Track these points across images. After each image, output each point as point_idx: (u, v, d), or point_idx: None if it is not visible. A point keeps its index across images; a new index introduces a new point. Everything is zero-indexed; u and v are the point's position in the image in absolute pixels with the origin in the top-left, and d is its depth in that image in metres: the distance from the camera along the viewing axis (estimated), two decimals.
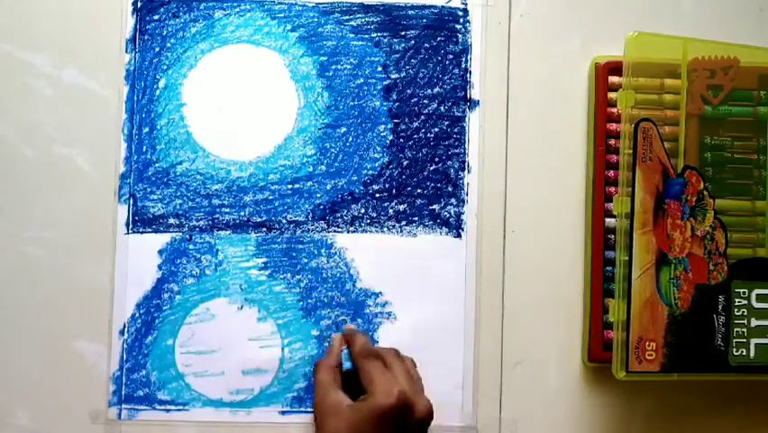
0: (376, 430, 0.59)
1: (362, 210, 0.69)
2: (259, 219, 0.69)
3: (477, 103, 0.70)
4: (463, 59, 0.70)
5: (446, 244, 0.70)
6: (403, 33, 0.70)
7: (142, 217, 0.69)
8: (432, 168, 0.70)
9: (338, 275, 0.69)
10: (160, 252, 0.69)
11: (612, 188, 0.68)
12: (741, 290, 0.65)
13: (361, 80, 0.70)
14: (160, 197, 0.69)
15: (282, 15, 0.70)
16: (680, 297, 0.63)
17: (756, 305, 0.65)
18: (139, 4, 0.69)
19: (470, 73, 0.70)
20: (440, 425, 0.68)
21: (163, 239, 0.69)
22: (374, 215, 0.69)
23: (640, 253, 0.62)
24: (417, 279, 0.69)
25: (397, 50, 0.70)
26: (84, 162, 0.69)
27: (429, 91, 0.70)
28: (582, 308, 0.70)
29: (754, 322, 0.65)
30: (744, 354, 0.65)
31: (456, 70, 0.70)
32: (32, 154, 0.69)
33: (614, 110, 0.69)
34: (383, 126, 0.70)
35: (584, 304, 0.69)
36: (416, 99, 0.70)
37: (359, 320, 0.69)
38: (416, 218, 0.70)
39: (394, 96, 0.70)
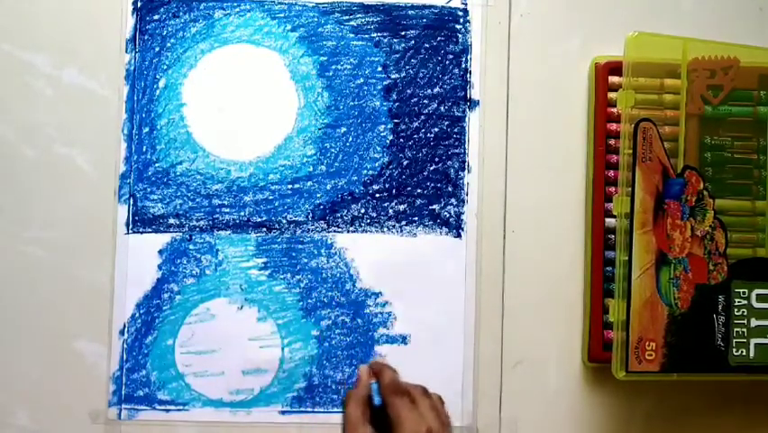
0: None
1: (362, 210, 0.69)
2: (259, 219, 0.69)
3: (477, 103, 0.70)
4: (463, 59, 0.70)
5: (446, 244, 0.70)
6: (403, 33, 0.70)
7: (142, 217, 0.69)
8: (432, 168, 0.70)
9: (338, 275, 0.69)
10: (160, 252, 0.69)
11: (612, 188, 0.68)
12: (741, 290, 0.65)
13: (361, 80, 0.70)
14: (160, 197, 0.69)
15: (282, 15, 0.70)
16: (680, 297, 0.63)
17: (756, 305, 0.65)
18: (139, 4, 0.69)
19: (470, 73, 0.70)
20: None
21: (163, 239, 0.69)
22: (374, 215, 0.69)
23: (640, 253, 0.62)
24: (417, 279, 0.69)
25: (397, 50, 0.70)
26: (84, 162, 0.69)
27: (429, 91, 0.70)
28: (582, 308, 0.70)
29: (754, 322, 0.65)
30: (744, 354, 0.64)
31: (456, 70, 0.70)
32: (32, 154, 0.69)
33: (614, 110, 0.69)
34: (383, 126, 0.70)
35: (584, 304, 0.69)
36: (415, 99, 0.70)
37: (359, 320, 0.69)
38: (416, 218, 0.70)
39: (394, 96, 0.70)
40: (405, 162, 0.70)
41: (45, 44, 0.69)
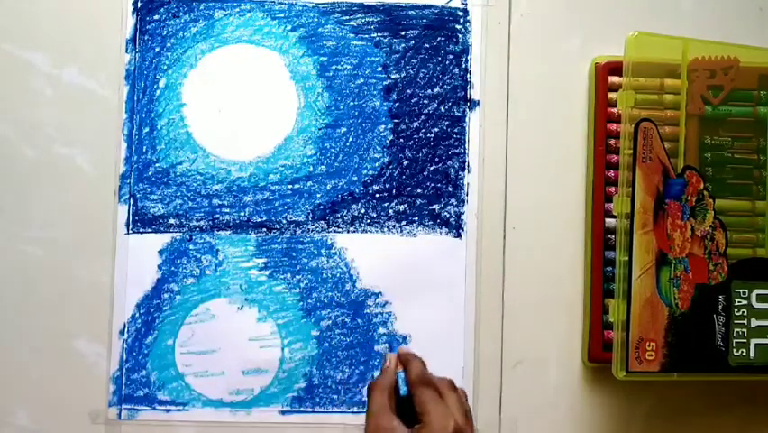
0: None
1: (362, 210, 0.69)
2: (259, 219, 0.69)
3: (477, 103, 0.70)
4: (463, 60, 0.70)
5: (446, 244, 0.70)
6: (403, 33, 0.70)
7: (142, 217, 0.69)
8: (432, 168, 0.70)
9: (338, 275, 0.69)
10: (161, 252, 0.69)
11: (612, 188, 0.68)
12: (741, 290, 0.65)
13: (361, 80, 0.70)
14: (160, 197, 0.69)
15: (282, 15, 0.70)
16: (680, 297, 0.63)
17: (756, 305, 0.65)
18: (139, 4, 0.69)
19: (470, 73, 0.70)
20: None
21: (163, 239, 0.69)
22: (374, 215, 0.69)
23: (640, 253, 0.62)
24: (417, 279, 0.69)
25: (397, 50, 0.70)
26: (84, 162, 0.69)
27: (429, 91, 0.70)
28: (582, 308, 0.70)
29: (754, 322, 0.65)
30: (744, 354, 0.64)
31: (456, 70, 0.70)
32: (32, 154, 0.69)
33: (614, 110, 0.69)
34: (383, 126, 0.70)
35: (584, 304, 0.69)
36: (416, 99, 0.70)
37: (359, 320, 0.69)
38: (416, 218, 0.70)
39: (394, 96, 0.70)
40: (405, 162, 0.70)
41: (45, 44, 0.69)
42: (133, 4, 0.69)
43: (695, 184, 0.64)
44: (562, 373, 0.70)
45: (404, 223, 0.70)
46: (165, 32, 0.70)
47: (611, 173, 0.69)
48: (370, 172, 0.70)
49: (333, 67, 0.70)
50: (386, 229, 0.69)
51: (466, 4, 0.71)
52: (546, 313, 0.70)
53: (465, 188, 0.70)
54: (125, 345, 0.68)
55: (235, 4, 0.70)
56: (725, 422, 0.70)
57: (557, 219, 0.70)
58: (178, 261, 0.69)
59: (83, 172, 0.69)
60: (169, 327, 0.68)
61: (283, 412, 0.68)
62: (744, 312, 0.65)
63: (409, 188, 0.70)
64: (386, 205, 0.70)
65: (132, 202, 0.69)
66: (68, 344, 0.68)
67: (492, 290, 0.69)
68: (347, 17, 0.70)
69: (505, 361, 0.69)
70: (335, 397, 0.68)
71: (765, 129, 0.67)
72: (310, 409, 0.68)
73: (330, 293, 0.69)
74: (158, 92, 0.69)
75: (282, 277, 0.69)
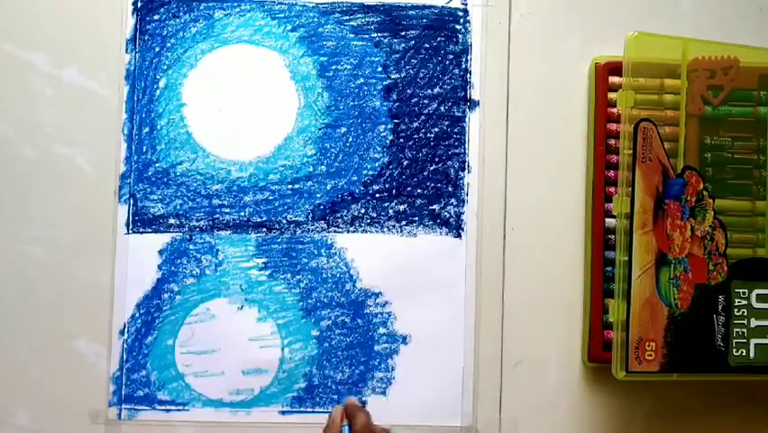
0: None
1: (362, 210, 0.69)
2: (259, 219, 0.69)
3: (477, 103, 0.70)
4: (463, 60, 0.70)
5: (446, 244, 0.70)
6: (403, 33, 0.70)
7: (142, 217, 0.69)
8: (432, 168, 0.70)
9: (338, 275, 0.69)
10: (161, 252, 0.69)
11: (612, 189, 0.68)
12: (741, 290, 0.65)
13: (361, 80, 0.70)
14: (160, 197, 0.69)
15: (282, 15, 0.70)
16: (679, 297, 0.63)
17: (756, 305, 0.65)
18: (139, 4, 0.69)
19: (471, 73, 0.70)
20: (440, 425, 0.68)
21: (163, 239, 0.69)
22: (374, 215, 0.69)
23: (640, 253, 0.62)
24: (417, 279, 0.69)
25: (397, 51, 0.70)
26: (84, 162, 0.69)
27: (429, 91, 0.70)
28: (582, 308, 0.70)
29: (753, 322, 0.65)
30: (743, 354, 0.64)
31: (456, 70, 0.70)
32: (32, 154, 0.69)
33: (614, 110, 0.69)
34: (383, 126, 0.70)
35: (584, 304, 0.69)
36: (416, 99, 0.70)
37: (359, 320, 0.69)
38: (416, 218, 0.70)
39: (394, 96, 0.70)
40: (405, 162, 0.70)
41: (45, 44, 0.69)
42: (133, 4, 0.69)
43: (695, 184, 0.64)
44: (562, 373, 0.70)
45: (404, 223, 0.70)
46: (165, 32, 0.70)
47: (611, 173, 0.69)
48: (370, 172, 0.70)
49: (333, 67, 0.70)
50: (386, 229, 0.69)
51: (466, 4, 0.71)
52: (546, 313, 0.70)
53: (465, 188, 0.70)
54: (125, 345, 0.68)
55: (235, 4, 0.70)
56: (725, 422, 0.70)
57: (557, 219, 0.70)
58: (178, 261, 0.69)
59: (83, 172, 0.69)
60: (169, 327, 0.68)
61: (283, 412, 0.68)
62: (743, 312, 0.65)
63: (409, 188, 0.70)
64: (386, 205, 0.70)
65: (132, 202, 0.69)
66: (68, 344, 0.68)
67: (492, 290, 0.69)
68: (347, 17, 0.70)
69: (505, 361, 0.69)
70: (335, 397, 0.68)
71: (765, 129, 0.67)
72: (310, 409, 0.68)
73: (330, 293, 0.69)
74: (158, 92, 0.69)
75: (282, 277, 0.69)
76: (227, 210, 0.69)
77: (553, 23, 0.71)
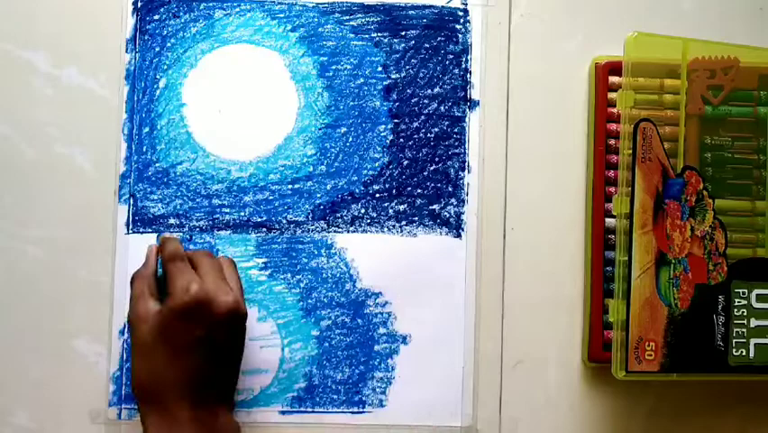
0: (177, 330, 0.59)
1: (362, 210, 0.69)
2: (259, 219, 0.69)
3: (477, 103, 0.70)
4: (463, 60, 0.70)
5: (446, 244, 0.70)
6: (403, 33, 0.70)
7: (143, 217, 0.69)
8: (432, 168, 0.70)
9: (338, 275, 0.69)
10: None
11: (612, 188, 0.68)
12: (741, 291, 0.65)
13: (361, 80, 0.70)
14: (160, 197, 0.69)
15: (282, 15, 0.70)
16: (679, 297, 0.63)
17: (756, 305, 0.65)
18: (139, 4, 0.69)
19: (471, 73, 0.70)
20: (440, 425, 0.68)
21: None
22: (374, 215, 0.69)
23: (640, 253, 0.62)
24: (417, 279, 0.69)
25: (397, 50, 0.70)
26: (84, 162, 0.69)
27: (429, 91, 0.70)
28: (582, 308, 0.70)
29: (753, 322, 0.65)
30: (743, 354, 0.65)
31: (456, 70, 0.70)
32: (33, 154, 0.69)
33: (614, 110, 0.69)
34: (383, 126, 0.70)
35: (584, 304, 0.69)
36: (416, 99, 0.70)
37: (359, 320, 0.69)
38: (416, 218, 0.70)
39: (394, 96, 0.70)
40: (405, 162, 0.70)
41: (45, 44, 0.69)
42: (133, 4, 0.70)
43: (695, 184, 0.64)
44: (562, 372, 0.70)
45: (404, 223, 0.70)
46: (165, 32, 0.70)
47: (611, 173, 0.69)
48: (370, 172, 0.70)
49: (333, 67, 0.70)
50: (386, 229, 0.69)
51: (466, 4, 0.71)
52: (546, 313, 0.70)
53: (465, 188, 0.70)
54: (125, 345, 0.68)
55: (235, 4, 0.70)
56: (725, 422, 0.70)
57: (557, 219, 0.70)
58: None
59: (83, 172, 0.69)
60: None
61: (283, 412, 0.68)
62: (743, 312, 0.65)
63: (409, 188, 0.70)
64: (386, 205, 0.70)
65: (132, 202, 0.69)
66: (68, 344, 0.68)
67: (492, 290, 0.69)
68: (347, 17, 0.70)
69: (505, 361, 0.69)
70: (335, 397, 0.68)
71: (765, 129, 0.67)
72: (310, 409, 0.68)
73: (330, 293, 0.69)
74: (158, 92, 0.69)
75: (282, 277, 0.69)
76: (227, 210, 0.69)
77: (553, 22, 0.71)
